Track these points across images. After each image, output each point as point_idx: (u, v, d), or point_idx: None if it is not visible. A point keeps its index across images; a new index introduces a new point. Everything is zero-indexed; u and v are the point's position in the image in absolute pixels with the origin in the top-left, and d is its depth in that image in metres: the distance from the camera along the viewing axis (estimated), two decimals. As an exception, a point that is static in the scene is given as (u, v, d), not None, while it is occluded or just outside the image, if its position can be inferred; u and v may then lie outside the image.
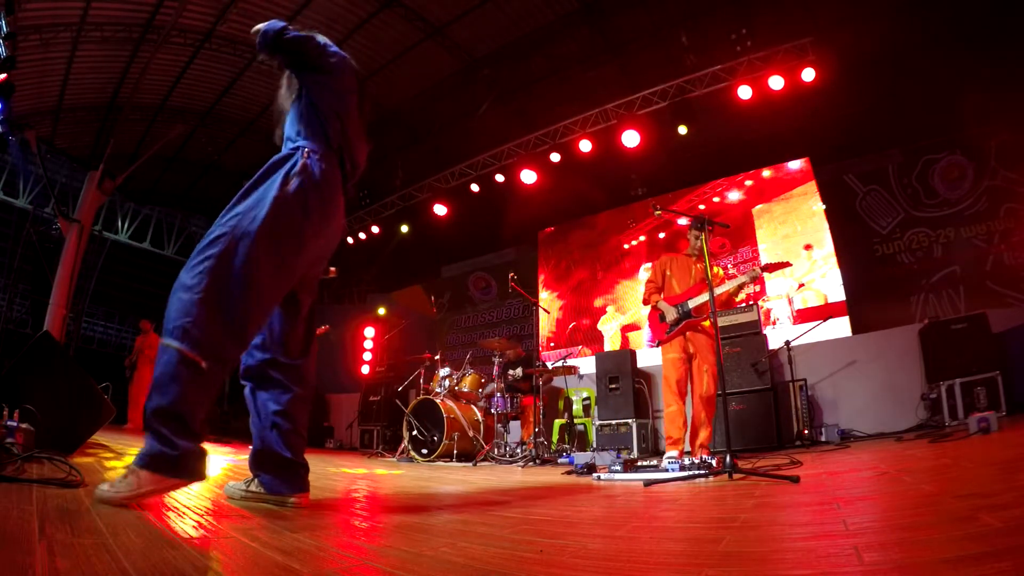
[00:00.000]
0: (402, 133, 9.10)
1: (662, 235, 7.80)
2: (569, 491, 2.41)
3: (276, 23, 1.79)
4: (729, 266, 7.04)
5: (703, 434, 3.51)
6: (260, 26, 1.79)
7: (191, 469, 1.48)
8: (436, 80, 8.17)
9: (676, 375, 3.63)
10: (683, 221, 7.08)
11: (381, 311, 9.93)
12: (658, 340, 3.76)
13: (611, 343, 7.76)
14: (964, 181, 6.15)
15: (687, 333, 3.66)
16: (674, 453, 3.45)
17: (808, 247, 6.52)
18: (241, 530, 1.30)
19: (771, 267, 3.50)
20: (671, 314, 3.68)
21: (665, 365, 3.72)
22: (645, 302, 3.92)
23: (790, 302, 6.46)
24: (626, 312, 7.83)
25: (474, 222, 9.10)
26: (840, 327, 5.92)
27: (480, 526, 1.48)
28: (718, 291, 3.57)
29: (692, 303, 3.62)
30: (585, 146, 7.30)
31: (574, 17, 6.96)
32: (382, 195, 9.28)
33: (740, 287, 3.62)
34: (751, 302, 6.25)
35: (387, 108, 8.75)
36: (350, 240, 9.66)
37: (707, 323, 3.62)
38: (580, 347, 8.12)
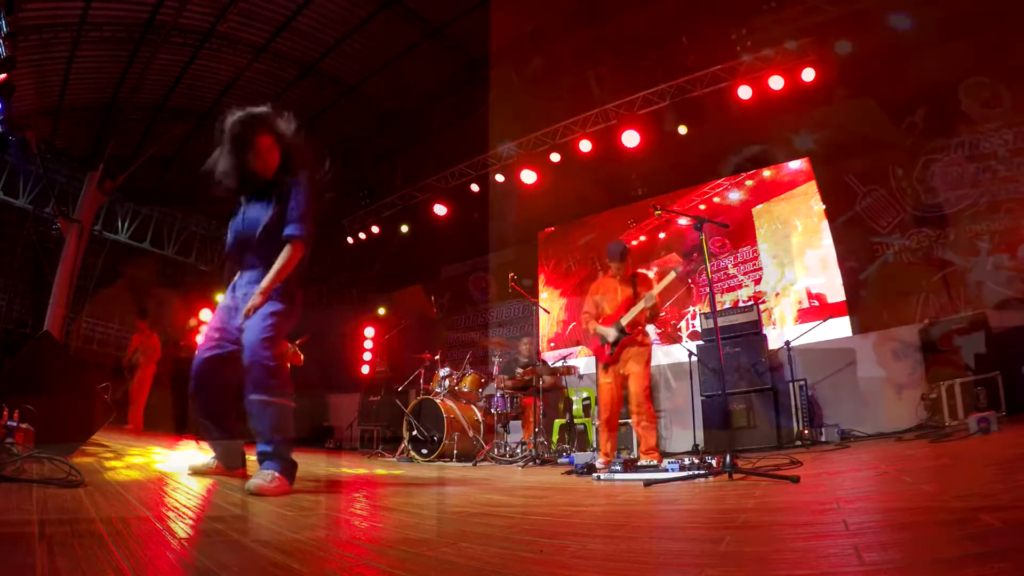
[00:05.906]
0: (402, 133, 9.10)
1: (662, 235, 7.79)
2: (569, 491, 2.41)
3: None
4: (730, 267, 7.04)
5: (643, 441, 3.65)
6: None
7: (294, 477, 2.17)
8: (436, 80, 8.17)
9: (606, 399, 3.79)
10: (683, 221, 7.11)
11: (381, 311, 9.92)
12: (604, 363, 3.90)
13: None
14: (964, 181, 6.15)
15: (623, 352, 3.80)
16: (600, 462, 3.62)
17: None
18: (241, 530, 1.30)
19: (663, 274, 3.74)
20: (611, 335, 3.79)
21: (600, 390, 3.89)
22: (586, 332, 4.10)
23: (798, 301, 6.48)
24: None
25: (474, 222, 9.09)
26: (840, 327, 5.92)
27: (480, 526, 1.48)
28: (639, 307, 3.70)
29: (624, 320, 3.76)
30: (585, 146, 7.29)
31: (574, 17, 6.96)
32: (382, 195, 9.27)
33: (655, 301, 3.69)
34: (751, 302, 6.25)
35: (387, 108, 8.75)
36: (350, 240, 9.65)
37: (640, 337, 3.78)
38: (580, 347, 8.11)
